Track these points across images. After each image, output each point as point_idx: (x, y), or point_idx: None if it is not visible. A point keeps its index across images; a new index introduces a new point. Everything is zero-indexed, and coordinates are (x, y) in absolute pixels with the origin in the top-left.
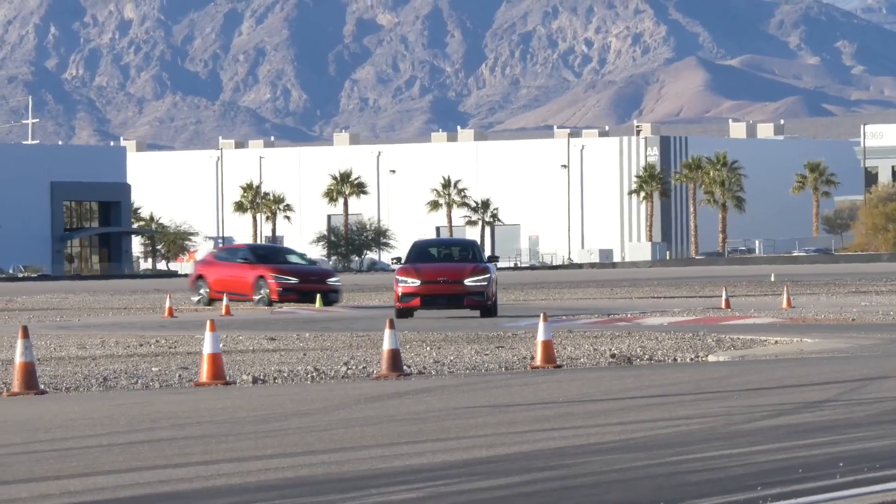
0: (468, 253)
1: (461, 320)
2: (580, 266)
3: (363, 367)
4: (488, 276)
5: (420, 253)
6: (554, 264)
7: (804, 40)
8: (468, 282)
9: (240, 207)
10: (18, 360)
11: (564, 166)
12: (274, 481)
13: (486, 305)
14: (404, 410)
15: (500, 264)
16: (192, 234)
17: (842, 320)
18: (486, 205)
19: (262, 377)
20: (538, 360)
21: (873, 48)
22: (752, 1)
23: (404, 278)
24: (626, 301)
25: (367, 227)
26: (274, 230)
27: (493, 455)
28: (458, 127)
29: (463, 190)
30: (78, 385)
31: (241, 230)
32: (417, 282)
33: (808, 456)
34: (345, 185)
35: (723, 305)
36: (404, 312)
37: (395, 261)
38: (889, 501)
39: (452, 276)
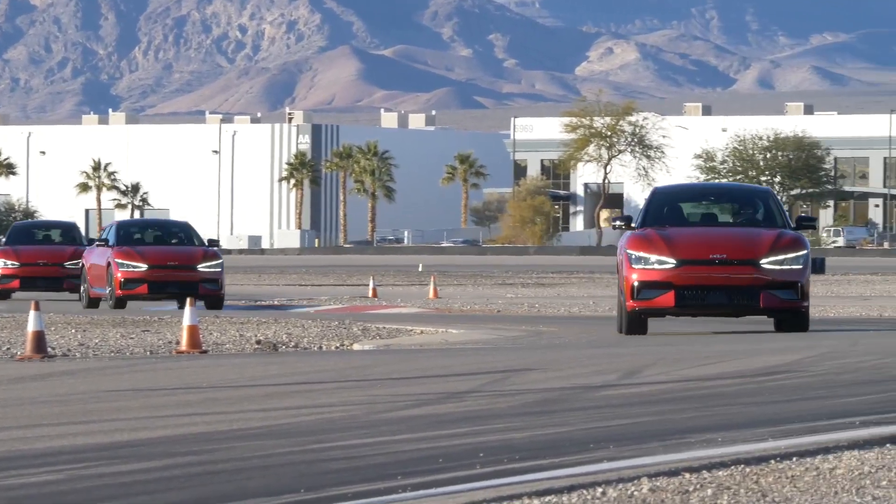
0: (189, 236)
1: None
2: (229, 252)
3: (6, 349)
4: (221, 261)
5: (128, 234)
6: None
7: (457, 32)
8: (202, 267)
9: None
10: None
11: (216, 152)
12: None
13: (219, 295)
14: (47, 392)
15: None
16: None
17: (487, 311)
18: (136, 188)
19: None
20: (183, 345)
21: (525, 42)
22: None
23: (126, 262)
24: (273, 288)
25: (16, 207)
26: None
27: (136, 439)
28: (110, 110)
29: (113, 173)
30: None
31: None
32: (143, 266)
33: (450, 446)
34: None
35: (370, 294)
36: (123, 301)
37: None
38: (528, 492)
39: (183, 260)
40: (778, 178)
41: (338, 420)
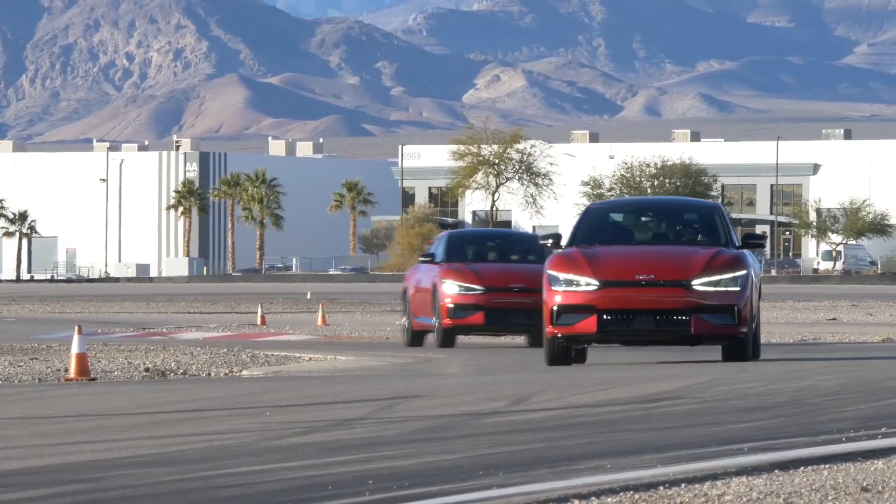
0: (709, 228)
1: None
2: (117, 280)
3: None
4: (745, 273)
5: (597, 229)
6: (91, 277)
7: (345, 60)
8: (699, 284)
9: None
10: None
11: (103, 180)
12: None
13: (739, 335)
14: None
15: (37, 276)
16: None
17: (376, 339)
18: (23, 217)
19: None
20: (72, 373)
21: (413, 70)
22: (293, 20)
23: (573, 276)
24: (162, 315)
25: None
26: None
27: (24, 467)
28: None
29: (1, 201)
30: None
31: None
32: (595, 283)
33: (339, 473)
34: None
35: (258, 322)
36: (567, 351)
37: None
38: None
39: (666, 272)
40: None
41: (228, 447)
